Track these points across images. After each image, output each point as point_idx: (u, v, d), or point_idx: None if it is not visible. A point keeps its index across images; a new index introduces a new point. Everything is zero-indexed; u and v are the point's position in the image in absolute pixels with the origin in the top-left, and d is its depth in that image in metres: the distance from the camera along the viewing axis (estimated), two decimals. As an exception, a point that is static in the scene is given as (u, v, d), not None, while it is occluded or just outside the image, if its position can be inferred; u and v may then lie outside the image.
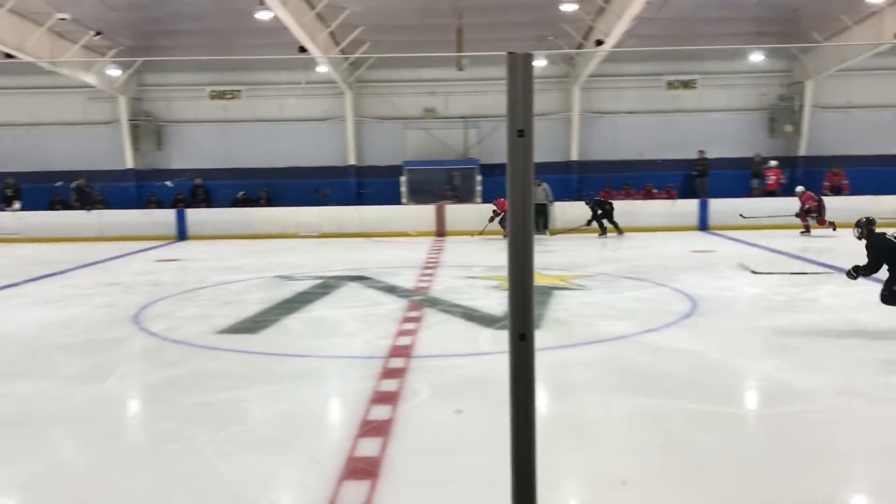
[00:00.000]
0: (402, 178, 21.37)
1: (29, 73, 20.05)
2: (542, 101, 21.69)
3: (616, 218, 17.90)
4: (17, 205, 20.37)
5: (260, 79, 22.21)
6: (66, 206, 20.76)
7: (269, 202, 21.24)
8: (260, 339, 7.36)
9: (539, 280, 10.60)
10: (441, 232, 18.91)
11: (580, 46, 19.77)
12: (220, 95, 22.60)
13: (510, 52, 1.43)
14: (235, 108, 22.68)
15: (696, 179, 21.40)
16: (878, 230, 7.05)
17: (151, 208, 20.67)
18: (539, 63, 20.55)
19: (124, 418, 5.36)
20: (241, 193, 21.27)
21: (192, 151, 22.65)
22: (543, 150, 21.29)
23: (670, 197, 20.24)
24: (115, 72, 20.95)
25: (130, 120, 22.14)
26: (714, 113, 22.27)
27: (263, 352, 6.82)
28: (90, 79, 20.19)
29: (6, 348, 7.19)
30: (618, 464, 4.07)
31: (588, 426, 4.75)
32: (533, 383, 1.54)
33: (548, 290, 9.75)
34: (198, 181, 21.51)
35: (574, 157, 22.29)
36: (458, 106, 22.24)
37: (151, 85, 22.58)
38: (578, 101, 21.98)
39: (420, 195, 20.86)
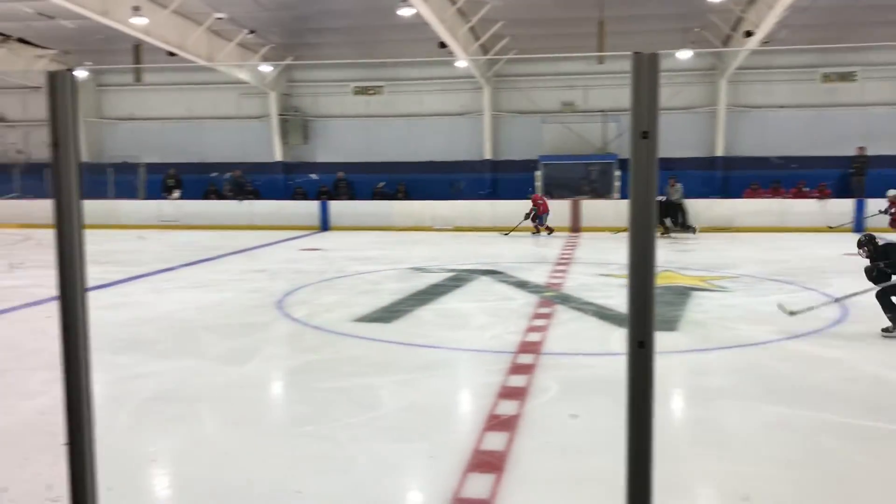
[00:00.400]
0: (538, 173, 21.24)
1: (189, 69, 21.40)
2: (686, 94, 20.98)
3: (763, 217, 17.15)
4: (176, 194, 21.84)
5: (401, 74, 22.70)
6: (220, 195, 22.04)
7: (406, 195, 21.70)
8: (394, 329, 7.55)
9: (678, 280, 10.30)
10: (576, 228, 18.69)
11: (728, 38, 18.95)
12: (363, 91, 23.28)
13: (635, 53, 1.40)
14: (377, 103, 23.29)
15: (852, 178, 20.02)
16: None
17: (297, 199, 21.61)
18: (683, 55, 19.87)
19: (265, 399, 5.64)
20: (380, 185, 21.85)
21: (335, 145, 23.47)
22: (686, 145, 20.60)
23: (823, 196, 19.07)
24: (266, 68, 22.01)
25: (280, 114, 23.21)
26: (876, 107, 20.74)
27: (396, 341, 6.99)
28: (244, 75, 21.33)
29: (164, 328, 7.72)
30: (747, 476, 3.88)
31: (720, 434, 4.57)
32: (651, 394, 1.50)
33: (686, 291, 9.46)
34: (340, 175, 22.26)
35: (719, 152, 21.40)
36: (597, 99, 21.86)
37: (300, 81, 23.56)
38: (725, 95, 21.08)
39: (556, 190, 20.67)
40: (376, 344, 6.92)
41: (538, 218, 17.95)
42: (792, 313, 7.33)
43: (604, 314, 8.06)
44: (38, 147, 24.17)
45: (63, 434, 1.45)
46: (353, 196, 21.79)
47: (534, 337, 7.02)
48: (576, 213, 18.87)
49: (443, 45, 17.18)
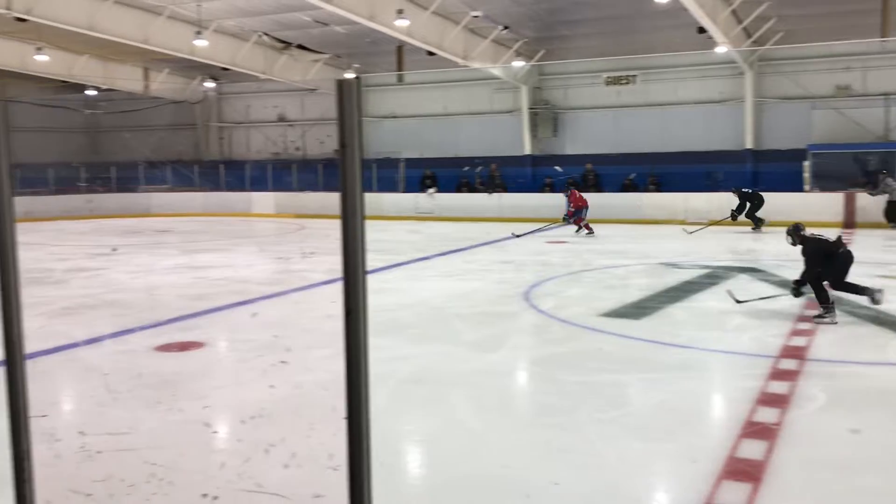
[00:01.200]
0: (806, 163, 19.60)
1: (444, 67, 22.37)
2: None
3: None
4: (432, 190, 22.99)
5: (655, 63, 21.96)
6: (471, 188, 22.88)
7: (658, 187, 21.04)
8: (642, 325, 7.37)
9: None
10: (850, 223, 17.03)
11: None
12: (614, 81, 22.90)
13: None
14: (628, 93, 22.80)
15: None
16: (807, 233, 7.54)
17: (545, 192, 21.81)
18: None
19: (512, 387, 5.78)
20: (630, 176, 21.40)
21: (584, 137, 23.34)
22: None
23: None
24: (518, 63, 22.40)
25: (530, 108, 23.52)
26: None
27: (645, 338, 6.82)
28: (497, 71, 21.87)
29: (419, 314, 8.17)
30: None
31: None
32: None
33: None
34: (589, 166, 22.12)
35: None
36: (878, 81, 19.68)
37: (551, 74, 23.67)
38: None
39: (827, 182, 18.91)
40: (623, 340, 6.80)
41: (577, 213, 16.68)
42: (738, 302, 7.88)
43: (881, 319, 7.28)
44: (313, 144, 26.62)
45: (343, 408, 1.59)
46: (600, 188, 21.55)
47: (798, 341, 6.51)
48: (850, 208, 17.19)
49: (701, 30, 16.42)
